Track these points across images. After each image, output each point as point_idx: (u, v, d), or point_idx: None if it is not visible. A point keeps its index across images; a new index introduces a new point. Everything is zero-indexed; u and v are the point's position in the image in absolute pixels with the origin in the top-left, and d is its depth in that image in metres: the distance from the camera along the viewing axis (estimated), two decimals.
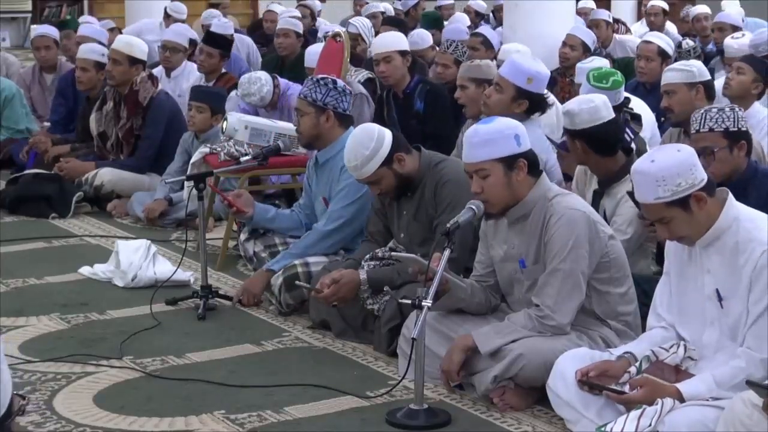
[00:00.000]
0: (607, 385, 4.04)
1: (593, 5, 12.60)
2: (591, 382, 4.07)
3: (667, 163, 3.83)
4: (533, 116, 6.00)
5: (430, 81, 7.88)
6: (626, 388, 4.00)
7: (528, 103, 5.92)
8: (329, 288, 5.15)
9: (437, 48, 10.02)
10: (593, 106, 5.13)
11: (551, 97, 7.04)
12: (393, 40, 7.73)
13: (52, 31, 10.05)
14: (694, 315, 4.04)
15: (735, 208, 3.93)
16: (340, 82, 5.86)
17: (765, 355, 3.82)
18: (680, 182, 3.82)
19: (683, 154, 3.88)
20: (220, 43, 8.83)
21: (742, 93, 6.30)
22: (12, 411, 2.44)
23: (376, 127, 5.29)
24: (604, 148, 5.15)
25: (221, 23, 10.51)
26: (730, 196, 3.95)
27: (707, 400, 3.84)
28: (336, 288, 5.15)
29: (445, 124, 7.38)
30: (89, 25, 10.11)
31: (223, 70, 8.77)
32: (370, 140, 5.17)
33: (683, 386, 3.89)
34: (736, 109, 4.82)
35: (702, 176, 3.87)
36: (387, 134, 5.21)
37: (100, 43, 9.15)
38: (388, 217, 5.42)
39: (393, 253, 5.20)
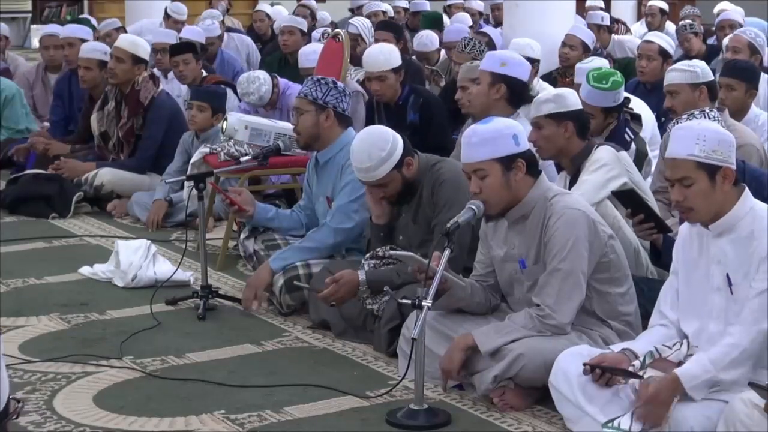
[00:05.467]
0: (614, 367, 4.04)
1: (602, 4, 12.65)
2: (599, 365, 4.06)
3: (712, 128, 3.98)
4: (521, 110, 5.96)
5: (423, 91, 7.75)
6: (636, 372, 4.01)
7: (505, 88, 5.85)
8: (328, 288, 5.15)
9: (441, 50, 10.03)
10: (573, 91, 5.40)
11: (539, 88, 7.03)
12: (386, 59, 7.35)
13: (61, 30, 10.03)
14: (699, 308, 4.05)
15: (751, 200, 3.98)
16: (339, 83, 5.86)
17: (763, 326, 3.83)
18: (716, 149, 3.89)
19: (726, 132, 4.00)
20: (187, 48, 8.73)
21: (738, 107, 6.25)
22: (8, 412, 2.45)
23: (389, 130, 5.26)
24: (584, 132, 5.28)
25: (191, 29, 10.36)
26: (747, 188, 4.00)
27: (710, 389, 3.84)
28: (335, 288, 5.15)
29: (444, 135, 7.34)
30: (71, 26, 10.03)
31: (204, 74, 8.68)
32: (386, 142, 5.14)
33: (679, 371, 3.90)
34: (707, 110, 4.84)
35: (734, 163, 3.95)
36: (399, 137, 5.21)
37: (85, 40, 9.07)
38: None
39: (393, 252, 5.20)
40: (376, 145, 5.13)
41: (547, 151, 5.27)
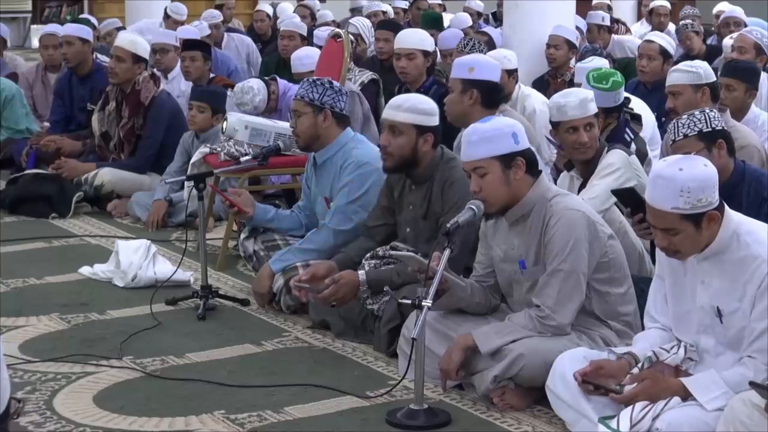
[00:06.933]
0: (608, 386, 4.04)
1: (609, 3, 12.69)
2: (593, 382, 4.06)
3: (694, 175, 3.78)
4: (502, 108, 5.95)
5: (446, 84, 7.87)
6: (628, 388, 4.00)
7: (477, 92, 5.82)
8: (328, 288, 5.14)
9: (438, 50, 10.01)
10: None
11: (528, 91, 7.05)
12: (419, 39, 7.75)
13: (60, 30, 10.03)
14: (688, 322, 4.04)
15: (733, 222, 3.89)
16: (336, 83, 5.86)
17: None
18: (702, 198, 3.78)
19: (710, 169, 3.84)
20: (199, 45, 8.79)
21: (738, 107, 6.22)
22: (9, 413, 2.46)
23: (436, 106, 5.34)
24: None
25: (187, 29, 10.42)
26: (727, 208, 3.91)
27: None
28: (335, 288, 5.15)
29: (453, 130, 7.38)
30: (70, 25, 10.04)
31: (212, 75, 8.71)
32: (431, 107, 5.22)
33: (687, 381, 3.88)
34: (707, 110, 4.76)
35: (717, 196, 3.84)
36: (439, 121, 5.26)
37: (83, 39, 9.05)
38: (395, 211, 5.39)
39: (392, 252, 5.19)
40: (424, 100, 5.24)
41: (593, 150, 5.25)
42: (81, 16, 13.30)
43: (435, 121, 5.21)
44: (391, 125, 5.18)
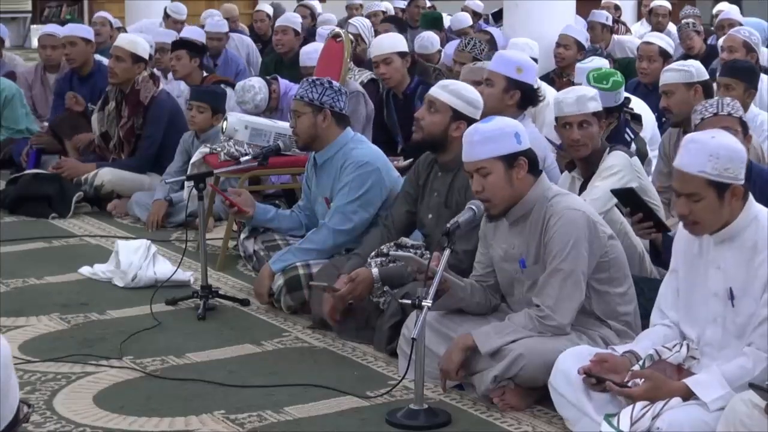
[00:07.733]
0: (610, 378, 4.03)
1: (619, 3, 12.71)
2: (596, 375, 4.06)
3: (726, 144, 3.86)
4: (527, 111, 5.99)
5: (432, 84, 7.87)
6: (631, 384, 4.00)
7: (520, 94, 5.90)
8: (345, 286, 5.14)
9: (441, 50, 10.02)
10: None
11: (543, 90, 7.07)
12: (391, 42, 7.76)
13: (59, 30, 10.03)
14: (699, 312, 4.04)
15: (755, 208, 3.95)
16: (335, 83, 5.86)
17: None
18: (729, 167, 3.83)
19: (740, 145, 3.93)
20: (186, 45, 8.80)
21: None
22: (18, 418, 2.46)
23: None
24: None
25: (191, 29, 10.44)
26: (751, 195, 3.96)
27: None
28: (352, 286, 5.14)
29: None
30: (72, 25, 10.02)
31: (204, 74, 8.70)
32: (478, 99, 5.26)
33: (690, 380, 3.89)
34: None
35: (743, 175, 3.89)
36: (481, 110, 5.27)
37: (86, 39, 9.05)
38: (418, 199, 5.38)
39: (392, 253, 5.19)
40: (472, 91, 5.28)
41: (589, 149, 5.25)
42: (97, 14, 13.21)
43: (475, 114, 5.21)
44: (431, 101, 5.23)
